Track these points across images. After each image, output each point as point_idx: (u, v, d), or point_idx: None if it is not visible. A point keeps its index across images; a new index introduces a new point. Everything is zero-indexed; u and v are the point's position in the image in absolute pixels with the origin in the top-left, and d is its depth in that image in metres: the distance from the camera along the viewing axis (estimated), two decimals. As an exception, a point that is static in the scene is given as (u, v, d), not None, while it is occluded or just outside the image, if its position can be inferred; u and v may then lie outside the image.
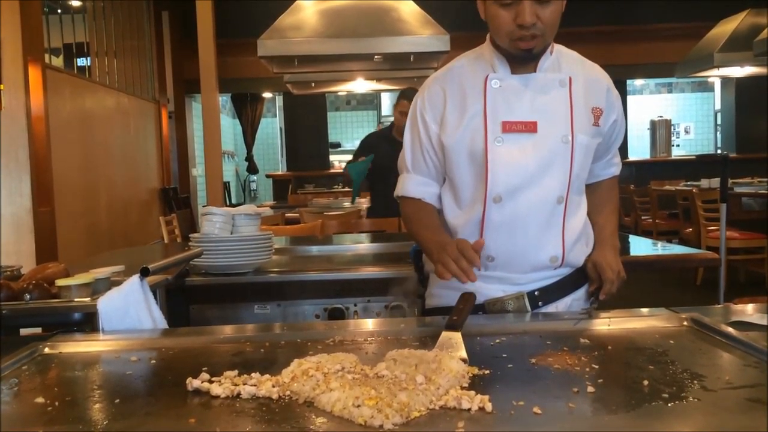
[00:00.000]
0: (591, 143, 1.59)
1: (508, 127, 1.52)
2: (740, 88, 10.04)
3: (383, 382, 1.02)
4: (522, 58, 1.53)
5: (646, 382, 1.04)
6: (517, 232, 1.55)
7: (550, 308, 1.62)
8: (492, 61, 1.57)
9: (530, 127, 1.53)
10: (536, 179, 1.53)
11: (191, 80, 8.44)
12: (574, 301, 1.66)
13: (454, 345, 1.20)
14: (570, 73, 1.58)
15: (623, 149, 11.04)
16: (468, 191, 1.58)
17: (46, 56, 5.70)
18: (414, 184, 1.67)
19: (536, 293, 1.61)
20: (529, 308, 1.59)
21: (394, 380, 1.03)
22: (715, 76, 8.28)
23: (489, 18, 1.50)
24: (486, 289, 1.59)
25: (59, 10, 6.81)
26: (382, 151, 3.94)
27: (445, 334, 1.24)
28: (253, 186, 13.16)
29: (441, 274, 1.41)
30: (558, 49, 1.61)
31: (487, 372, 1.12)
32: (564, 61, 1.61)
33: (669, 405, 0.95)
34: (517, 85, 1.55)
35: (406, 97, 4.03)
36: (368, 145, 4.26)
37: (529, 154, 1.52)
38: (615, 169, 1.79)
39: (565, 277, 1.64)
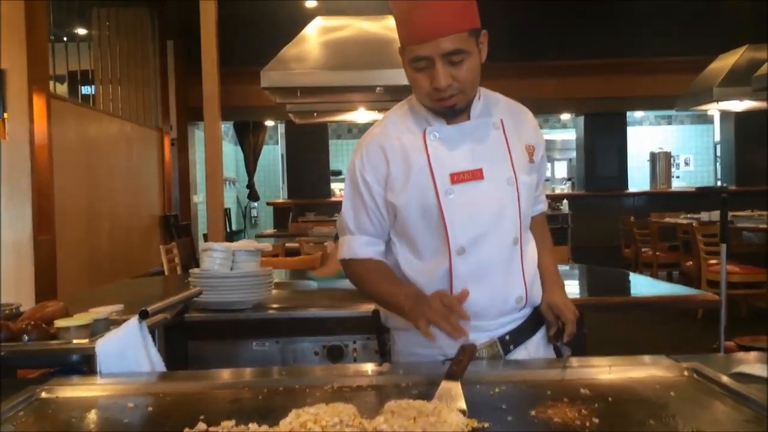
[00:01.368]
0: (531, 181, 1.63)
1: (457, 178, 1.53)
2: (740, 120, 10.10)
3: None
4: (447, 115, 1.55)
5: (646, 440, 1.03)
6: (483, 280, 1.55)
7: (521, 350, 1.63)
8: (425, 114, 1.58)
9: (477, 175, 1.54)
10: (493, 225, 1.54)
11: (194, 108, 8.49)
12: (541, 339, 1.68)
13: (453, 396, 1.20)
14: (499, 115, 1.61)
15: (623, 180, 11.11)
16: (429, 244, 1.57)
17: (51, 84, 5.76)
18: (361, 244, 1.63)
19: (507, 337, 1.61)
20: (502, 353, 1.60)
21: None
22: (714, 109, 8.34)
23: (410, 83, 1.52)
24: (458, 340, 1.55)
25: (65, 38, 6.89)
26: None
27: (444, 385, 1.23)
28: (254, 213, 13.19)
29: (427, 333, 1.39)
30: (484, 93, 1.62)
31: (486, 425, 1.11)
32: (492, 105, 1.62)
33: (670, 465, 0.94)
34: (455, 135, 1.56)
35: None
36: None
37: (481, 202, 1.54)
38: (542, 206, 1.80)
39: (529, 317, 1.66)
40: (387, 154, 1.57)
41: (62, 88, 6.71)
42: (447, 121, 1.56)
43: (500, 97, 1.67)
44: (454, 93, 1.47)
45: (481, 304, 1.55)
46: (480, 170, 1.54)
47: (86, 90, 6.95)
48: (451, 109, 1.52)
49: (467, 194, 1.53)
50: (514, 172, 1.56)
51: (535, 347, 1.66)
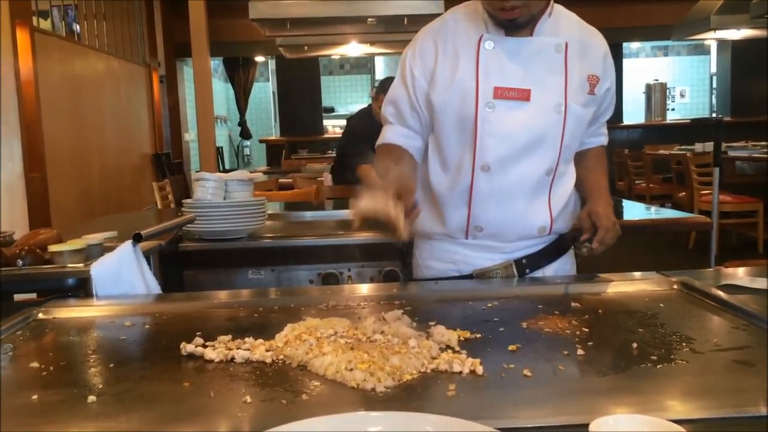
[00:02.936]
0: (585, 113, 1.54)
1: (500, 93, 1.46)
2: (736, 51, 9.98)
3: (376, 346, 1.03)
4: (508, 27, 1.47)
5: (635, 345, 1.05)
6: (505, 202, 1.52)
7: (537, 274, 1.61)
8: (486, 19, 1.50)
9: (523, 95, 1.47)
10: (527, 151, 1.48)
11: (182, 43, 8.31)
12: (561, 266, 1.65)
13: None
14: (567, 37, 1.51)
15: (618, 113, 11.08)
16: (455, 156, 1.52)
17: (34, 19, 5.60)
18: (396, 133, 1.60)
19: (524, 261, 1.59)
20: (516, 276, 1.59)
21: (387, 344, 1.04)
22: (711, 39, 8.21)
23: None
24: (473, 258, 1.58)
25: (46, -28, 6.65)
26: (367, 126, 3.91)
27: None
28: (247, 151, 13.09)
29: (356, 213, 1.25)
30: (557, 10, 1.54)
31: (478, 336, 1.13)
32: (562, 25, 1.53)
33: (657, 367, 0.96)
34: (511, 49, 1.48)
35: (384, 90, 3.97)
36: (358, 126, 4.16)
37: (520, 125, 1.47)
38: (603, 138, 1.71)
39: (551, 243, 1.62)
40: (438, 50, 1.52)
41: (46, 24, 6.53)
42: (507, 32, 1.49)
43: (574, 19, 1.57)
44: (518, 5, 1.39)
45: (500, 226, 1.54)
46: (528, 91, 1.47)
47: (70, 25, 6.76)
48: (512, 22, 1.44)
49: (508, 113, 1.47)
50: (566, 101, 1.48)
51: (553, 272, 1.63)
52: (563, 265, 1.66)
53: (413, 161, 1.60)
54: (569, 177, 1.61)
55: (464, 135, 1.50)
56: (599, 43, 1.58)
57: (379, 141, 1.64)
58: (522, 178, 1.51)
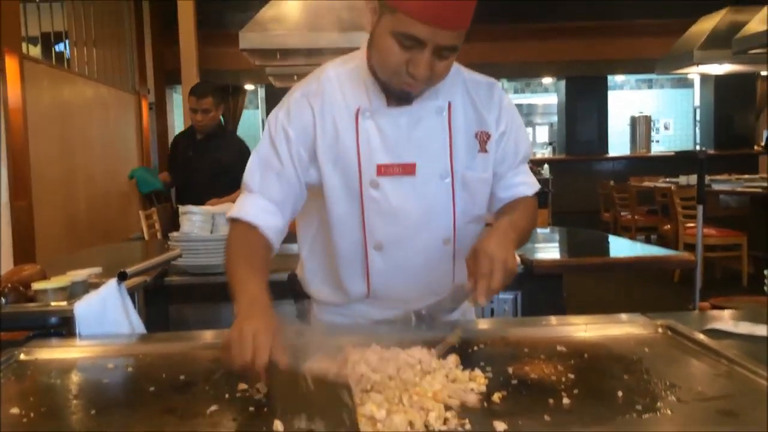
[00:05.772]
0: (477, 175, 1.43)
1: (384, 171, 1.38)
2: (719, 84, 10.18)
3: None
4: (399, 98, 1.37)
5: (620, 393, 1.05)
6: (404, 276, 1.45)
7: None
8: (368, 84, 1.38)
9: (408, 170, 1.38)
10: (419, 225, 1.41)
11: (172, 71, 8.36)
12: (465, 311, 1.58)
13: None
14: (449, 96, 1.41)
15: (603, 144, 11.18)
16: (347, 232, 1.43)
17: (24, 45, 5.61)
18: (257, 208, 1.38)
19: (423, 312, 1.45)
20: (414, 324, 1.46)
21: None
22: (695, 73, 8.37)
23: (378, 46, 1.29)
24: (373, 313, 1.51)
25: (37, -1, 6.69)
26: (187, 150, 4.21)
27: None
28: (235, 178, 13.08)
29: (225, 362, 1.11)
30: None
31: (464, 382, 1.12)
32: (444, 84, 1.38)
33: (642, 417, 0.96)
34: (392, 120, 1.38)
35: (193, 93, 4.14)
36: (174, 144, 4.59)
37: (409, 200, 1.40)
38: (523, 189, 1.51)
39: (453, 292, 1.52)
40: (315, 115, 1.38)
41: (35, 51, 6.55)
42: (387, 101, 1.38)
43: (460, 73, 1.44)
44: (422, 83, 1.32)
45: (402, 295, 1.47)
46: (413, 165, 1.39)
47: (60, 50, 6.78)
48: (408, 95, 1.34)
49: (394, 190, 1.39)
50: (452, 166, 1.40)
51: (453, 318, 1.52)
52: (467, 311, 1.60)
53: (268, 252, 1.41)
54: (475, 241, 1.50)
55: (352, 211, 1.41)
56: (493, 92, 1.46)
57: (237, 212, 1.39)
58: (418, 252, 1.44)
